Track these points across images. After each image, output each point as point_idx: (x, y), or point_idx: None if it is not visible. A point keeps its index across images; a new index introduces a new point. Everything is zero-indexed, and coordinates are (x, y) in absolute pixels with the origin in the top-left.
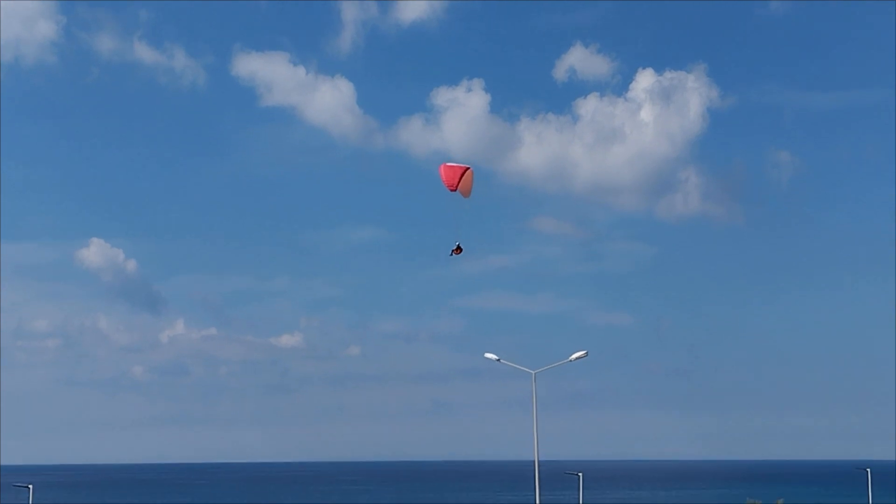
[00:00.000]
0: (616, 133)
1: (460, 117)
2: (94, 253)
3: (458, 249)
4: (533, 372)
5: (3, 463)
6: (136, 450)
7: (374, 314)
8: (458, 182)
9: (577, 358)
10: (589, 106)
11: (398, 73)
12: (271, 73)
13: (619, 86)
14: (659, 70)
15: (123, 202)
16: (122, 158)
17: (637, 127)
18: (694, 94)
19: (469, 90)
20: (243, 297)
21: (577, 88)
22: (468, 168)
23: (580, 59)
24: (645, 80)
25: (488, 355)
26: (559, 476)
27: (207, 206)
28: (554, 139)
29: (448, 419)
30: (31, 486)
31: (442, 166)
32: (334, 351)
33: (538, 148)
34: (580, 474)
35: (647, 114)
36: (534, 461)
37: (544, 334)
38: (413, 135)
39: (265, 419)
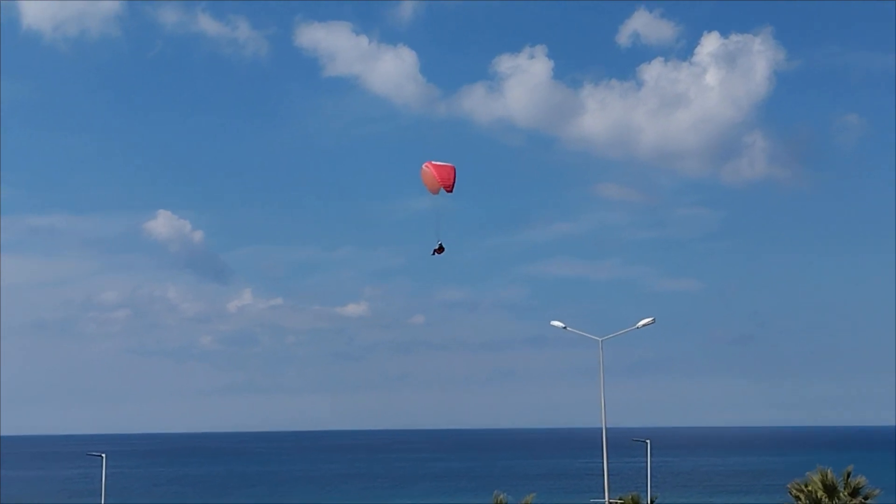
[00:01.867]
0: (680, 98)
1: (523, 84)
2: (162, 224)
3: (440, 249)
4: (600, 339)
5: (76, 432)
6: (204, 418)
7: (437, 283)
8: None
9: (644, 325)
10: (653, 71)
11: (460, 41)
12: (334, 43)
13: (683, 50)
14: (724, 33)
15: (189, 173)
16: (187, 130)
17: (702, 91)
18: (760, 57)
19: (532, 57)
20: (308, 267)
21: (641, 53)
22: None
23: (644, 24)
24: (710, 43)
25: (555, 323)
26: (627, 443)
27: (272, 177)
28: (617, 105)
29: (512, 387)
30: (104, 455)
31: (433, 166)
32: (398, 319)
33: (601, 114)
34: (648, 441)
35: (712, 78)
36: (601, 428)
37: (609, 301)
38: (475, 102)
39: (331, 387)
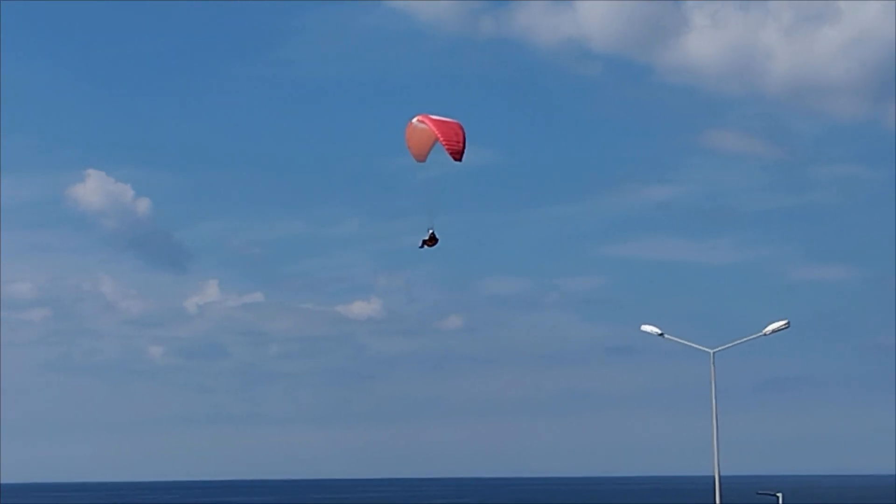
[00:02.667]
0: (826, 11)
1: None
2: (92, 189)
3: (432, 239)
4: (711, 351)
5: None
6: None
7: (481, 270)
8: (463, 146)
9: (774, 331)
10: None
11: None
12: None
13: None
14: None
15: (129, 120)
16: (125, 58)
17: (856, 1)
18: None
19: None
20: (299, 248)
21: None
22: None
23: None
24: None
25: (646, 328)
26: (750, 498)
27: (247, 124)
28: (736, 21)
29: (586, 418)
30: None
31: (432, 121)
32: (426, 322)
33: (713, 33)
34: (779, 495)
35: None
36: (714, 477)
37: (725, 296)
38: (533, 18)
39: (330, 418)
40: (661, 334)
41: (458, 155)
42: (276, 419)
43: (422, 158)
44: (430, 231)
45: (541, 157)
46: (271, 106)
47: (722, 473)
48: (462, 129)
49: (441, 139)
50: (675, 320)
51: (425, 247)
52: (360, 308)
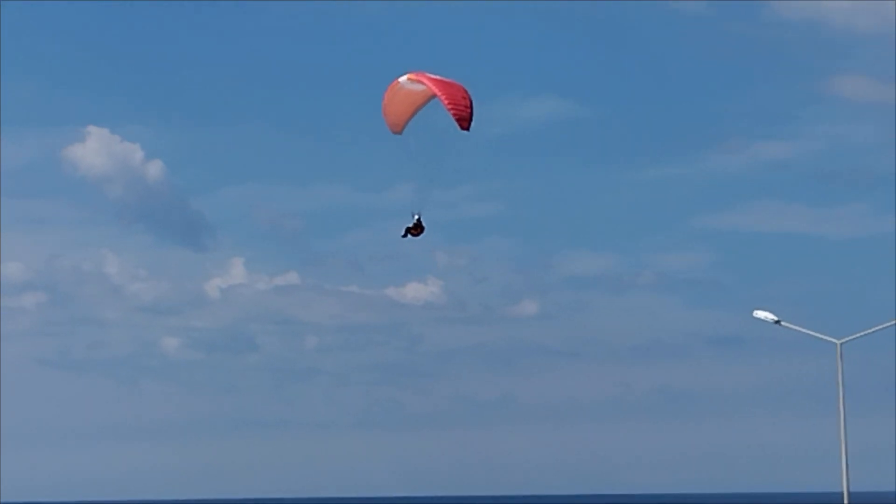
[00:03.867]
0: None
1: None
2: (94, 150)
3: (417, 227)
4: (838, 342)
5: None
6: (165, 475)
7: (559, 245)
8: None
9: None
10: None
11: None
12: None
13: None
14: None
15: (138, 66)
16: (127, 2)
17: None
18: None
19: None
20: (340, 219)
21: None
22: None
23: None
24: None
25: (759, 314)
26: None
27: (280, 71)
28: None
29: (687, 419)
30: None
31: (430, 80)
32: (493, 308)
33: None
34: None
35: None
36: (842, 493)
37: (853, 275)
38: None
39: (379, 423)
40: (777, 322)
41: (465, 122)
42: (314, 424)
43: (399, 128)
44: (417, 217)
45: (630, 110)
46: (309, 48)
47: (852, 489)
48: (468, 93)
49: (444, 100)
50: (794, 305)
51: (409, 236)
52: (415, 291)
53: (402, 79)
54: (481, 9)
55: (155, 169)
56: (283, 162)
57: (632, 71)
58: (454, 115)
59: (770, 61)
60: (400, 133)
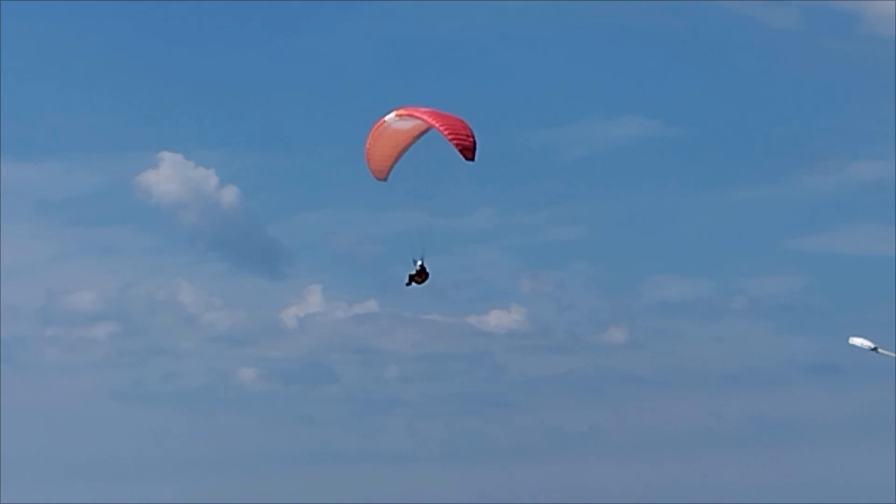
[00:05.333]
0: None
1: None
2: (167, 177)
3: (421, 275)
4: None
5: None
6: None
7: (648, 270)
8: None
9: None
10: None
11: None
12: None
13: None
14: None
15: (209, 91)
16: (204, 16)
17: None
18: None
19: None
20: (419, 245)
21: None
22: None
23: None
24: None
25: (856, 341)
26: None
27: (357, 93)
28: None
29: (782, 449)
30: None
31: (427, 114)
32: (580, 336)
33: None
34: None
35: None
36: None
37: None
38: None
39: (462, 455)
40: (875, 349)
41: (469, 152)
42: (394, 457)
43: (384, 174)
44: (420, 262)
45: (720, 129)
46: (386, 73)
47: None
48: (467, 122)
49: (445, 131)
50: (892, 331)
51: (413, 284)
52: (498, 319)
53: (389, 116)
54: (561, 27)
55: (229, 195)
56: (360, 187)
57: (721, 89)
58: (457, 146)
59: (865, 78)
60: (384, 179)
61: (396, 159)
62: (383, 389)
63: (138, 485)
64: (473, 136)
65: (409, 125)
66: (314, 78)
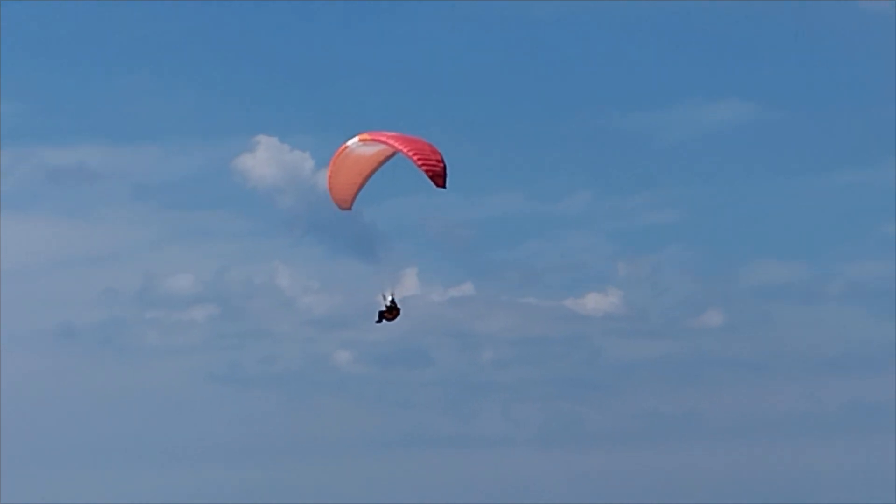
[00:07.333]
0: None
1: None
2: (264, 160)
3: (391, 311)
4: None
5: None
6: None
7: (745, 254)
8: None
9: None
10: None
11: None
12: None
13: None
14: None
15: (303, 74)
16: (296, 7)
17: None
18: None
19: None
20: (517, 229)
21: None
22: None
23: None
24: None
25: None
26: None
27: (443, 75)
28: None
29: (882, 435)
30: None
31: (392, 138)
32: (677, 321)
33: None
34: None
35: None
36: None
37: None
38: None
39: (558, 439)
40: None
41: (440, 178)
42: (490, 440)
43: (348, 203)
44: (390, 297)
45: (819, 112)
46: (479, 52)
47: None
48: (436, 147)
49: (414, 157)
50: None
51: (383, 321)
52: (595, 302)
53: (352, 142)
54: (660, 9)
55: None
56: (455, 170)
57: (820, 71)
58: (427, 172)
59: None
60: (349, 209)
61: (360, 187)
62: (479, 373)
63: (235, 467)
64: (443, 162)
65: (373, 150)
66: (409, 62)
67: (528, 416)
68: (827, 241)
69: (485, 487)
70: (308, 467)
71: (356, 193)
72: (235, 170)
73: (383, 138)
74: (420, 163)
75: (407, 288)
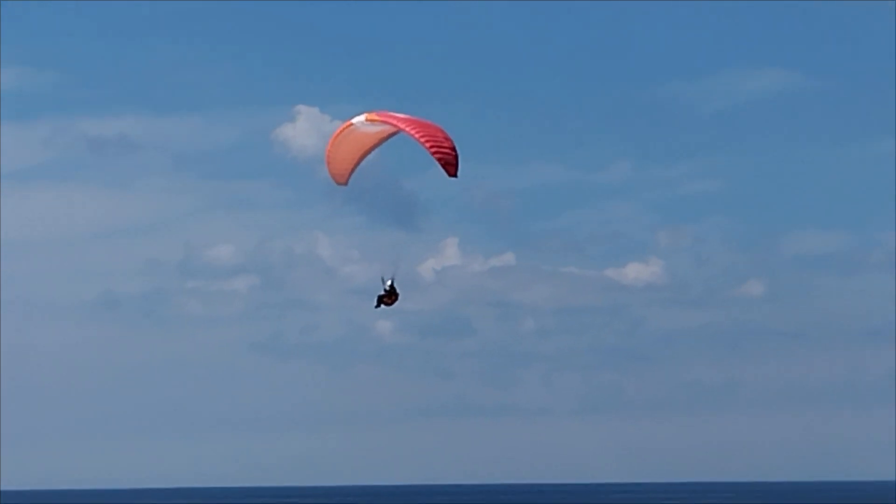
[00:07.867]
0: None
1: None
2: (304, 130)
3: (391, 295)
4: None
5: (161, 485)
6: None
7: (785, 223)
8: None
9: None
10: None
11: None
12: None
13: None
14: None
15: (344, 45)
16: None
17: None
18: None
19: None
20: (558, 199)
21: None
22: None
23: None
24: None
25: None
26: None
27: (490, 43)
28: None
29: None
30: None
31: (401, 120)
32: (718, 290)
33: None
34: None
35: None
36: None
37: None
38: None
39: (599, 409)
40: None
41: (452, 167)
42: (531, 410)
43: (345, 178)
44: (389, 282)
45: (858, 82)
46: (522, 24)
47: None
48: (447, 133)
49: (425, 142)
50: None
51: (382, 306)
52: (636, 272)
53: (358, 119)
54: None
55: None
56: (496, 140)
57: (859, 41)
58: (439, 159)
59: None
60: (345, 184)
61: (358, 162)
62: (520, 343)
63: (276, 435)
64: (455, 150)
65: (377, 129)
66: (449, 33)
67: (569, 385)
68: (868, 210)
69: (526, 457)
70: (348, 436)
71: (353, 168)
72: (276, 140)
73: (393, 121)
74: (433, 150)
75: (448, 257)
